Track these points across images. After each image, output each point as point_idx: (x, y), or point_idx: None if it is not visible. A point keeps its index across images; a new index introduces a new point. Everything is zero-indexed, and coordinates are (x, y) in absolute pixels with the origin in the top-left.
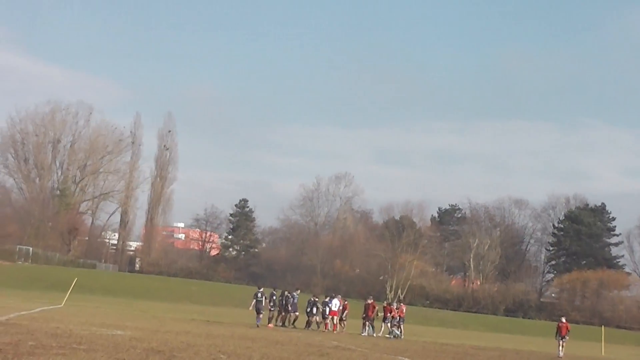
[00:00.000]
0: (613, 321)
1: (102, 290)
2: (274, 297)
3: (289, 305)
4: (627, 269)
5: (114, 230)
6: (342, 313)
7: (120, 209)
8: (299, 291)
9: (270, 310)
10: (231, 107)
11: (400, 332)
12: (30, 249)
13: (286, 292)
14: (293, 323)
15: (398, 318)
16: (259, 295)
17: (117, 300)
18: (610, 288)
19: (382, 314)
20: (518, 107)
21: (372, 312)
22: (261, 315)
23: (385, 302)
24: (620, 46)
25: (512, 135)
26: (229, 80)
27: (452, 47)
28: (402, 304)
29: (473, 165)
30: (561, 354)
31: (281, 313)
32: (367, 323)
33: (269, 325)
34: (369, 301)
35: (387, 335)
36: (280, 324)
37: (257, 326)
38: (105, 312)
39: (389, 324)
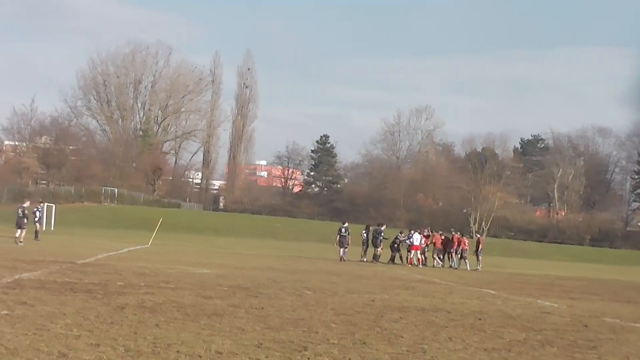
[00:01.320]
0: None
1: (187, 229)
2: (364, 232)
3: (377, 240)
4: None
5: (197, 170)
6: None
7: (202, 148)
8: (384, 226)
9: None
10: (308, 41)
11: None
12: (116, 189)
13: (372, 227)
14: (378, 258)
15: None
16: (343, 230)
17: (202, 238)
18: None
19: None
20: (590, 33)
21: (456, 246)
22: (346, 249)
23: (455, 233)
24: None
25: (589, 63)
26: (305, 14)
27: None
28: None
29: (553, 94)
30: None
31: (368, 248)
32: (450, 256)
33: (363, 259)
34: (454, 234)
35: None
36: (371, 259)
37: (342, 260)
38: (190, 251)
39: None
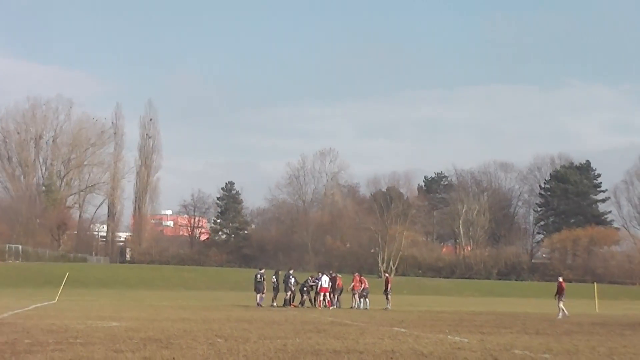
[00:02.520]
0: (605, 277)
1: (95, 283)
2: (274, 277)
3: (287, 285)
4: (615, 225)
5: (102, 223)
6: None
7: (107, 201)
8: (292, 270)
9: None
10: (211, 91)
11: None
12: (20, 246)
13: (285, 272)
14: (290, 303)
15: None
16: (259, 276)
17: (110, 292)
18: (600, 244)
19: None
20: (498, 72)
21: (358, 286)
22: (263, 295)
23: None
24: (599, 3)
25: (494, 100)
26: (208, 64)
27: (433, 13)
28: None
29: (457, 133)
30: (566, 313)
31: (278, 292)
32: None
33: (292, 305)
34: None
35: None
36: (281, 304)
37: (259, 305)
38: (99, 305)
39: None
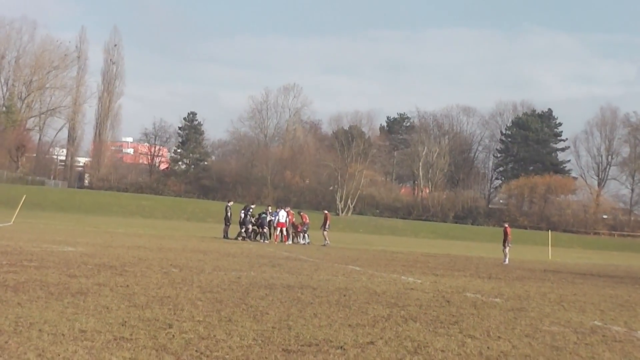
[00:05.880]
0: (560, 225)
1: (52, 207)
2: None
3: (246, 218)
4: (573, 174)
5: (62, 147)
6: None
7: (67, 125)
8: (254, 205)
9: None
10: (177, 19)
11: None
12: None
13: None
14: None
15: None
16: (228, 209)
17: (67, 216)
18: (557, 193)
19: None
20: (464, 14)
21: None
22: (227, 229)
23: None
24: None
25: (459, 44)
26: None
27: None
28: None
29: (421, 74)
30: (506, 260)
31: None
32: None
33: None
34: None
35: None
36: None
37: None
38: (55, 229)
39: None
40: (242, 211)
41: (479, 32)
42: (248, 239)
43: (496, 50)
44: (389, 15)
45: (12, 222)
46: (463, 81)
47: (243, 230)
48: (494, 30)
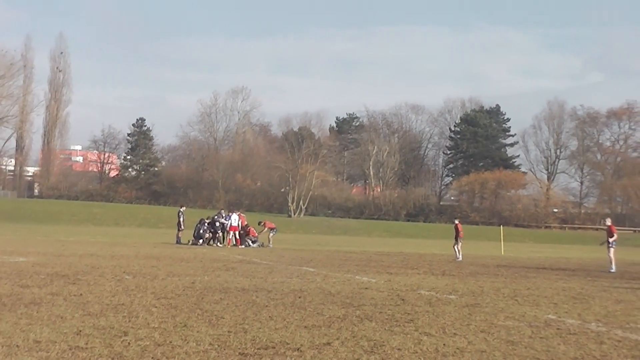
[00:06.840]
0: (512, 220)
1: (2, 217)
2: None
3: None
4: (523, 169)
5: (10, 156)
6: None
7: (15, 134)
8: (223, 211)
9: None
10: (124, 23)
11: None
12: None
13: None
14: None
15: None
16: (180, 214)
17: (17, 226)
18: (507, 188)
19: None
20: (411, 11)
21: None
22: (180, 234)
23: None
24: None
25: (406, 41)
26: None
27: None
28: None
29: (369, 73)
30: (459, 256)
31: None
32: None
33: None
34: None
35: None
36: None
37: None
38: (6, 239)
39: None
40: (207, 221)
41: (425, 29)
42: (205, 244)
43: (442, 46)
44: (337, 13)
45: None
46: (411, 78)
47: (200, 241)
48: (441, 27)
